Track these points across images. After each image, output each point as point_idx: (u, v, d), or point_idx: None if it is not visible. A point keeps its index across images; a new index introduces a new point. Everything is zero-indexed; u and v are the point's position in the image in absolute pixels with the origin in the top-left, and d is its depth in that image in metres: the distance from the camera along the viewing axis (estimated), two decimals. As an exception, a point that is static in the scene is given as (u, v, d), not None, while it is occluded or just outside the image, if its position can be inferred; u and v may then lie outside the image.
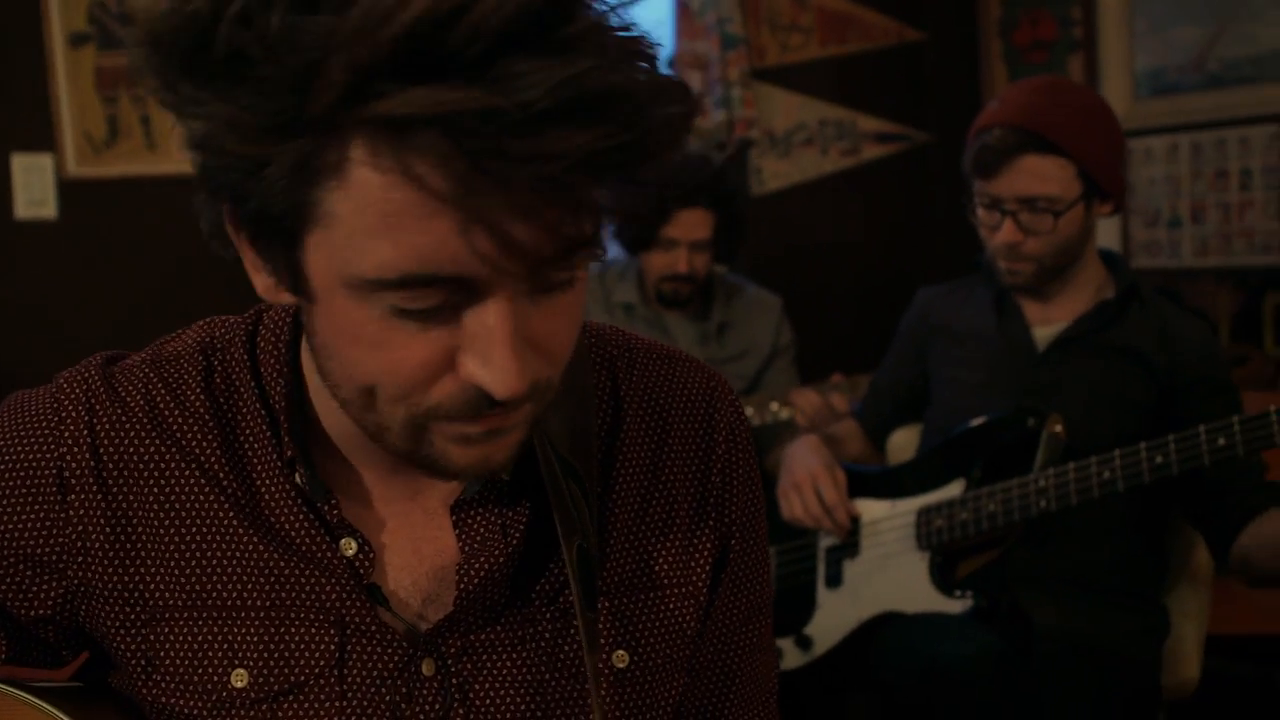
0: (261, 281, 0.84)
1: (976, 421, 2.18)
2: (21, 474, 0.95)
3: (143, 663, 0.95)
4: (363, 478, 0.97)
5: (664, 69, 0.77)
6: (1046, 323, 2.25)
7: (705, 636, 1.07)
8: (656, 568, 1.03)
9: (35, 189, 2.83)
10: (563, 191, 0.71)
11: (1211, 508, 2.06)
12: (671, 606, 1.02)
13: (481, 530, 0.96)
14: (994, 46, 4.12)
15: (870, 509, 2.25)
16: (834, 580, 2.24)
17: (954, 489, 2.15)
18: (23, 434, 0.96)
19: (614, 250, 3.12)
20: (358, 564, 0.94)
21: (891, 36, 4.14)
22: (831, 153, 4.05)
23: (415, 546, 0.97)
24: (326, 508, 0.94)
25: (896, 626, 2.12)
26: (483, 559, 0.95)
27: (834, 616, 2.22)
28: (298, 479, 0.94)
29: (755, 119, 3.79)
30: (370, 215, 0.72)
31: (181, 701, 0.94)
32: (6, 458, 0.96)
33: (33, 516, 0.95)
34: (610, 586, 1.00)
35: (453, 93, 0.67)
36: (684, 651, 1.03)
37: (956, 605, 2.08)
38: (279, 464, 0.95)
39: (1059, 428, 2.07)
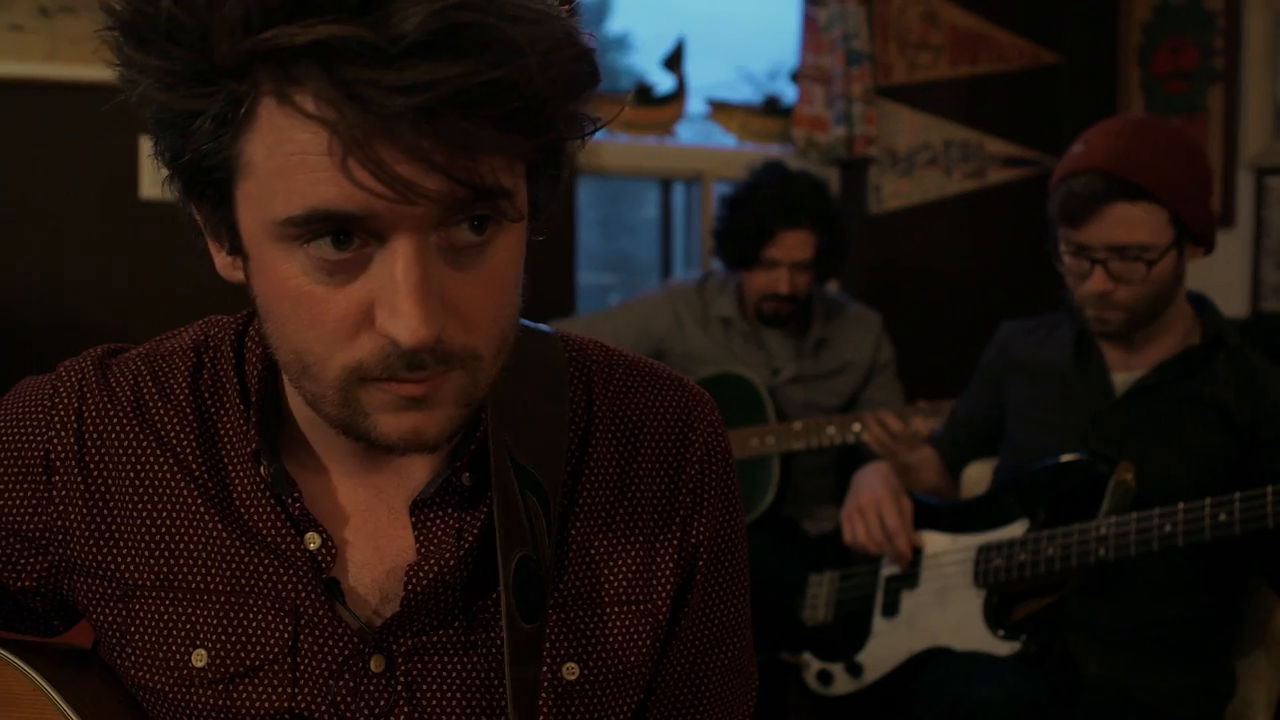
0: (219, 259, 0.90)
1: (1046, 462, 2.14)
2: (16, 453, 1.02)
3: (116, 636, 1.01)
4: (330, 473, 1.01)
5: (566, 26, 0.79)
6: (1127, 368, 2.19)
7: (670, 656, 1.07)
8: (614, 583, 1.03)
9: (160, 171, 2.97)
10: (440, 126, 0.73)
11: None
12: (626, 623, 1.03)
13: (438, 532, 0.99)
14: (1133, 74, 4.01)
15: (933, 541, 2.22)
16: (891, 609, 2.22)
17: (1017, 529, 2.11)
18: (21, 416, 1.03)
19: (716, 264, 3.13)
20: (319, 558, 0.97)
21: (1026, 58, 4.05)
22: (955, 174, 3.99)
23: (377, 544, 1.00)
24: (290, 500, 0.98)
25: (943, 662, 2.09)
26: (434, 561, 0.97)
27: (886, 646, 2.20)
28: (262, 471, 0.98)
29: (876, 136, 3.76)
30: (278, 157, 0.78)
31: (148, 676, 0.99)
32: (5, 437, 1.03)
33: (22, 493, 1.02)
34: (564, 599, 1.01)
35: (330, 26, 0.72)
36: (639, 669, 1.04)
37: (1005, 647, 2.04)
38: (250, 457, 0.99)
39: (1129, 475, 2.01)
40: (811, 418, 2.94)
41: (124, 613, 1.00)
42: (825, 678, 2.25)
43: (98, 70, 2.83)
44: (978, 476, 2.48)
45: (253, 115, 0.78)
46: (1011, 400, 2.35)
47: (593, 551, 1.03)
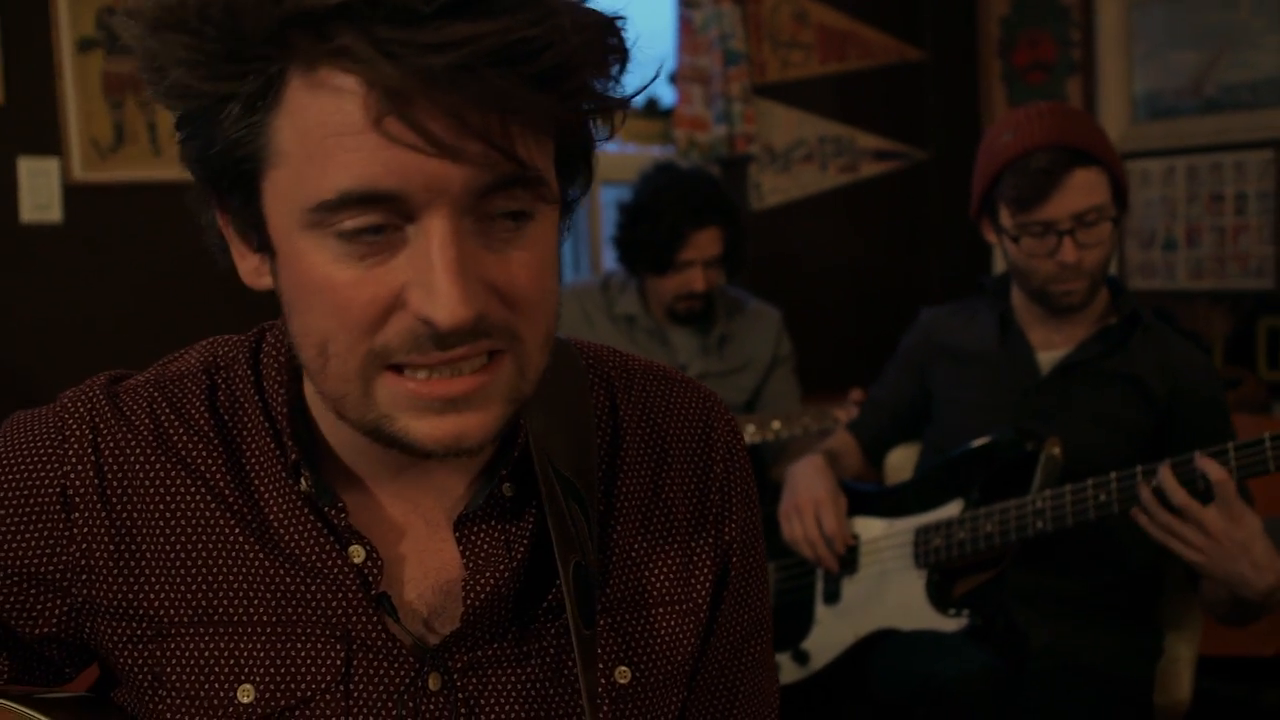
0: (244, 265, 0.89)
1: (976, 443, 2.20)
2: (25, 493, 0.96)
3: (149, 678, 0.95)
4: (364, 488, 0.98)
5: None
6: (1050, 347, 2.27)
7: (708, 654, 1.08)
8: (657, 585, 1.04)
9: (41, 193, 2.84)
10: (477, 84, 0.73)
11: None
12: (672, 623, 1.04)
13: (485, 546, 0.97)
14: (993, 66, 4.16)
15: (869, 527, 2.27)
16: (832, 597, 2.26)
17: (952, 509, 2.17)
18: (26, 453, 0.97)
19: (612, 260, 3.14)
20: (366, 571, 0.95)
21: (891, 55, 4.17)
22: (830, 169, 4.08)
23: (419, 559, 0.98)
24: (333, 512, 0.95)
25: (892, 643, 2.14)
26: (488, 575, 0.96)
27: (831, 632, 2.24)
28: (303, 484, 0.95)
29: (755, 134, 3.82)
30: (310, 141, 0.77)
31: (188, 717, 0.94)
32: (10, 477, 0.96)
33: (37, 535, 0.95)
34: (611, 603, 1.02)
35: None
36: (684, 667, 1.05)
37: (952, 623, 2.10)
38: (283, 475, 0.96)
39: (1057, 450, 2.09)
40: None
41: (158, 653, 0.95)
42: (773, 667, 2.28)
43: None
44: (901, 461, 2.54)
45: (281, 98, 0.78)
46: (936, 384, 2.41)
47: (634, 555, 1.04)
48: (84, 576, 0.95)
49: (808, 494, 2.28)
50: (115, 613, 0.96)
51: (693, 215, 2.92)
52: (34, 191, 2.83)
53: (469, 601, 0.95)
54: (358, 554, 0.95)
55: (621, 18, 0.82)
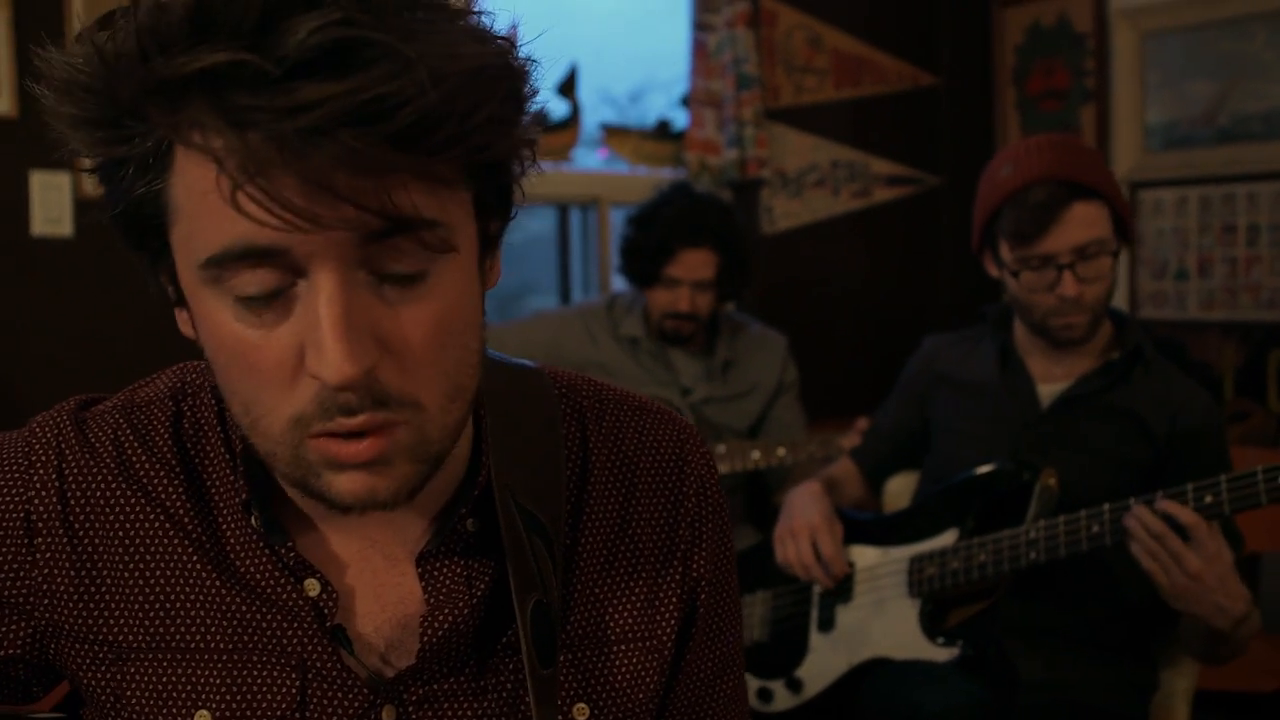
0: (179, 316, 0.89)
1: (972, 473, 2.20)
2: None
3: (111, 700, 0.96)
4: (321, 521, 0.98)
5: (478, 44, 0.77)
6: (1051, 379, 2.26)
7: (676, 691, 1.08)
8: (620, 621, 1.03)
9: (52, 207, 2.87)
10: (333, 148, 0.71)
11: None
12: (634, 661, 1.03)
13: (447, 582, 0.97)
14: (1007, 94, 4.16)
15: (864, 555, 2.26)
16: (826, 624, 2.26)
17: (947, 538, 2.17)
18: None
19: (621, 282, 3.15)
20: (321, 604, 0.95)
21: (906, 81, 4.17)
22: (843, 194, 4.08)
23: (377, 593, 0.98)
24: (283, 550, 0.95)
25: (884, 673, 2.13)
26: (447, 611, 0.95)
27: (825, 660, 2.23)
28: (254, 522, 0.95)
29: (768, 159, 3.83)
30: (194, 197, 0.77)
31: None
32: None
33: (1, 558, 0.96)
34: (572, 640, 1.01)
35: (217, 53, 0.70)
36: (646, 706, 1.04)
37: (944, 654, 2.09)
38: (240, 507, 0.96)
39: (1053, 481, 2.09)
40: (728, 440, 2.97)
41: (118, 677, 0.96)
42: (765, 695, 2.27)
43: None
44: (900, 489, 2.53)
45: (170, 157, 0.77)
46: (937, 413, 2.41)
47: (597, 591, 1.03)
48: (46, 600, 0.96)
49: (803, 519, 2.28)
50: (77, 636, 0.96)
51: (686, 233, 2.92)
52: (45, 205, 2.86)
53: (426, 637, 0.95)
54: (312, 587, 0.95)
55: (503, 51, 0.79)
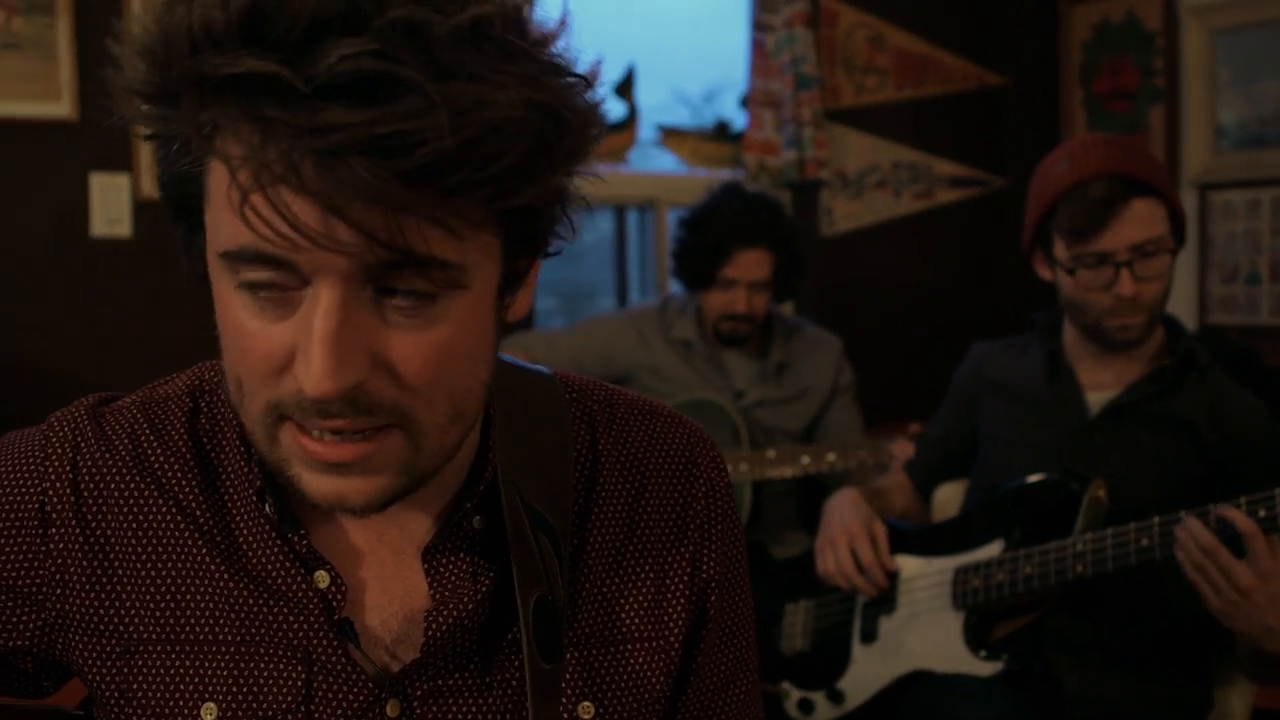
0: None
1: (1019, 482, 2.15)
2: (7, 507, 0.99)
3: (116, 694, 0.97)
4: (333, 516, 0.99)
5: (524, 90, 0.76)
6: (1100, 386, 2.21)
7: (688, 695, 1.07)
8: (627, 621, 1.03)
9: (112, 208, 2.92)
10: (343, 173, 0.71)
11: None
12: (640, 661, 1.03)
13: (453, 577, 0.98)
14: (1074, 94, 4.08)
15: (909, 565, 2.23)
16: (869, 635, 2.22)
17: (992, 549, 2.12)
18: (11, 470, 1.00)
19: (676, 285, 3.14)
20: (330, 596, 0.96)
21: (970, 80, 4.11)
22: (905, 195, 4.03)
23: (384, 585, 0.99)
24: (295, 538, 0.96)
25: (926, 686, 2.09)
26: (452, 606, 0.96)
27: (867, 672, 2.20)
28: (267, 509, 0.97)
29: (827, 159, 3.79)
30: (222, 190, 0.77)
31: None
32: None
33: (15, 548, 0.98)
34: (579, 638, 1.01)
35: (255, 61, 0.71)
36: (654, 706, 1.04)
37: (987, 667, 2.05)
38: (253, 498, 0.98)
39: (1101, 492, 2.03)
40: (780, 444, 2.95)
41: (125, 670, 0.97)
42: (806, 706, 2.25)
43: (45, 107, 2.78)
44: (948, 498, 2.49)
45: (210, 144, 0.77)
46: (984, 421, 2.36)
47: (605, 590, 1.03)
48: (58, 591, 0.98)
49: (840, 526, 2.25)
50: (86, 628, 0.98)
51: (742, 233, 2.90)
52: (105, 206, 2.91)
53: (430, 631, 0.96)
54: (322, 579, 0.96)
55: (550, 102, 0.77)
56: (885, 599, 2.22)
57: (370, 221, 0.74)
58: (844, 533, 2.23)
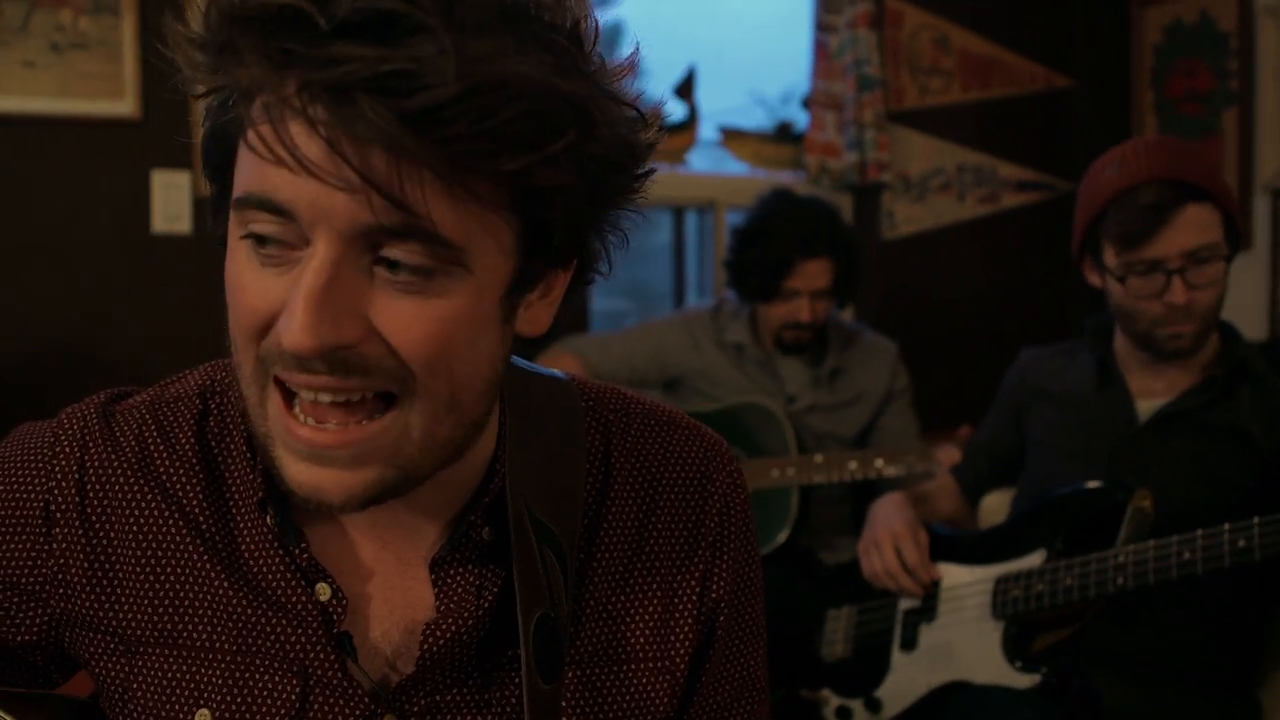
0: None
1: (1063, 491, 2.11)
2: (14, 504, 0.99)
3: (120, 690, 0.98)
4: (336, 522, 0.98)
5: (550, 60, 0.77)
6: (1150, 394, 2.16)
7: (692, 714, 1.05)
8: (632, 640, 1.01)
9: (173, 205, 2.97)
10: (349, 109, 0.72)
11: None
12: (644, 680, 1.01)
13: (458, 589, 0.96)
14: (1145, 97, 3.99)
15: (951, 574, 2.19)
16: (909, 643, 2.19)
17: (1034, 559, 2.08)
18: (20, 465, 1.00)
19: (729, 290, 3.12)
20: (330, 609, 0.95)
21: (1039, 82, 4.04)
22: (969, 199, 3.97)
23: (386, 597, 0.97)
24: (297, 550, 0.95)
25: (964, 697, 2.06)
26: (452, 620, 0.95)
27: (905, 681, 2.17)
28: (269, 521, 0.96)
29: (888, 162, 3.74)
30: (245, 137, 0.78)
31: None
32: (3, 487, 1.00)
33: (21, 545, 0.99)
34: (582, 656, 0.99)
35: None
36: None
37: (1025, 680, 2.01)
38: (256, 506, 0.97)
39: (1147, 503, 1.98)
40: (831, 449, 2.92)
41: (127, 668, 0.98)
42: (844, 714, 2.22)
43: (109, 105, 2.83)
44: (995, 505, 2.45)
45: (246, 91, 0.78)
46: (1032, 428, 2.32)
47: (611, 608, 1.01)
48: (61, 590, 0.98)
49: (885, 528, 2.22)
50: (90, 625, 0.98)
51: (803, 244, 2.88)
52: (166, 203, 2.96)
53: (426, 645, 0.94)
54: (323, 591, 0.95)
55: (567, 83, 0.78)
56: (926, 607, 2.19)
57: (370, 165, 0.74)
58: (889, 534, 2.21)
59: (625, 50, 0.88)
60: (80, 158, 2.90)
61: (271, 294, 0.80)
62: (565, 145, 0.78)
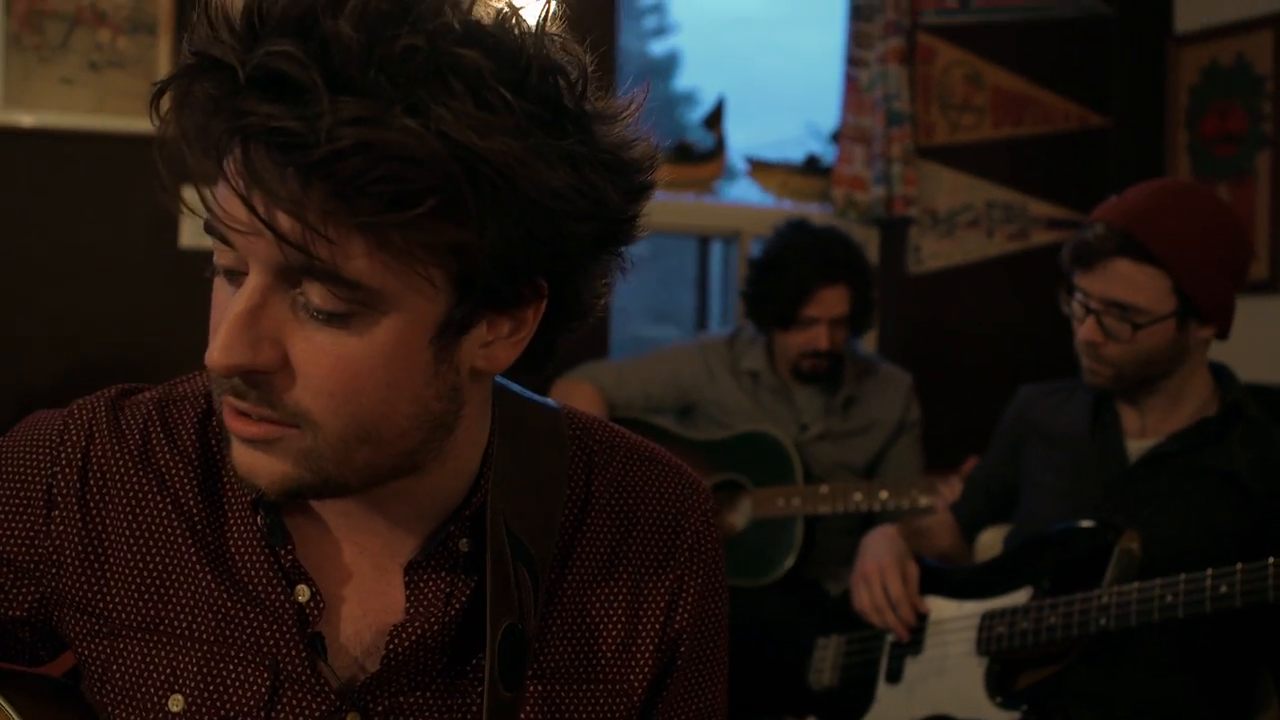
0: None
1: (1052, 529, 2.11)
2: (19, 484, 1.05)
3: (99, 671, 1.03)
4: (321, 526, 1.03)
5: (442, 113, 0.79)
6: (1142, 435, 2.16)
7: None
8: (595, 660, 1.05)
9: (200, 220, 3.04)
10: (250, 159, 0.77)
11: None
12: (603, 701, 1.05)
13: (428, 594, 1.00)
14: (1179, 136, 3.97)
15: (939, 607, 2.20)
16: (894, 676, 2.20)
17: (1021, 596, 2.08)
18: (29, 449, 1.06)
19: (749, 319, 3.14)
20: (308, 610, 0.99)
21: (1072, 121, 4.03)
22: (998, 235, 3.96)
23: (361, 599, 1.02)
24: (282, 552, 1.00)
25: (941, 732, 2.06)
26: (419, 623, 0.99)
27: (888, 713, 2.17)
28: (259, 520, 1.01)
29: (915, 197, 3.75)
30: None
31: (124, 715, 1.01)
32: (11, 467, 1.05)
33: (20, 524, 1.04)
34: (545, 671, 1.03)
35: (220, 46, 0.79)
36: None
37: (1006, 716, 2.00)
38: (249, 506, 1.02)
39: (1134, 545, 1.98)
40: (839, 479, 2.93)
41: (108, 651, 1.02)
42: (828, 743, 2.23)
43: (144, 123, 2.91)
44: (991, 542, 2.45)
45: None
46: (1028, 464, 2.32)
47: (577, 628, 1.05)
48: (54, 570, 1.03)
49: (873, 561, 2.23)
50: (77, 606, 1.03)
51: (820, 272, 2.90)
52: (194, 219, 3.01)
53: (391, 646, 0.98)
54: (303, 593, 1.00)
55: (472, 144, 0.79)
56: (913, 640, 2.20)
57: (275, 215, 0.79)
58: (876, 567, 2.22)
59: (630, 90, 0.92)
60: (116, 172, 2.98)
61: (222, 311, 0.87)
62: (444, 203, 0.80)
